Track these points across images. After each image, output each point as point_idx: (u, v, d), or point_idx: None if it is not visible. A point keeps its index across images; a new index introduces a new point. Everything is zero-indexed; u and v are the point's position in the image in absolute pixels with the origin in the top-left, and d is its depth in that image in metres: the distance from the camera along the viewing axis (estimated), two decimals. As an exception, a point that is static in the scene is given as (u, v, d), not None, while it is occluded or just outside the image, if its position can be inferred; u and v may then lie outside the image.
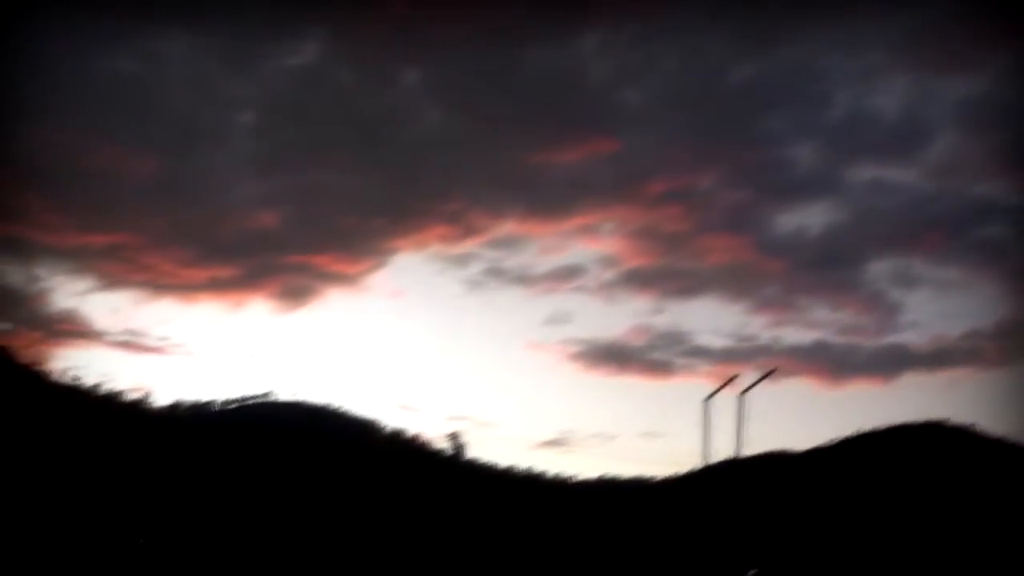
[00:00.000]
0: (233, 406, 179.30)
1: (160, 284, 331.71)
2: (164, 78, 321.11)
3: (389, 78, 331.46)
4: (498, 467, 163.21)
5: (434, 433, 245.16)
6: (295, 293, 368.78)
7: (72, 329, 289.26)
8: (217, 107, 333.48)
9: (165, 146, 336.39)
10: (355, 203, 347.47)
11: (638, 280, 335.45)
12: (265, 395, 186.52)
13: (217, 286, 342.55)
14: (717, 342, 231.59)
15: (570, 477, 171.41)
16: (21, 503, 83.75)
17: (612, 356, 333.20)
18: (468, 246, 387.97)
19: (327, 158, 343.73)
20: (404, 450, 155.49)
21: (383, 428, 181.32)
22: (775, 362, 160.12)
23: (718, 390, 61.65)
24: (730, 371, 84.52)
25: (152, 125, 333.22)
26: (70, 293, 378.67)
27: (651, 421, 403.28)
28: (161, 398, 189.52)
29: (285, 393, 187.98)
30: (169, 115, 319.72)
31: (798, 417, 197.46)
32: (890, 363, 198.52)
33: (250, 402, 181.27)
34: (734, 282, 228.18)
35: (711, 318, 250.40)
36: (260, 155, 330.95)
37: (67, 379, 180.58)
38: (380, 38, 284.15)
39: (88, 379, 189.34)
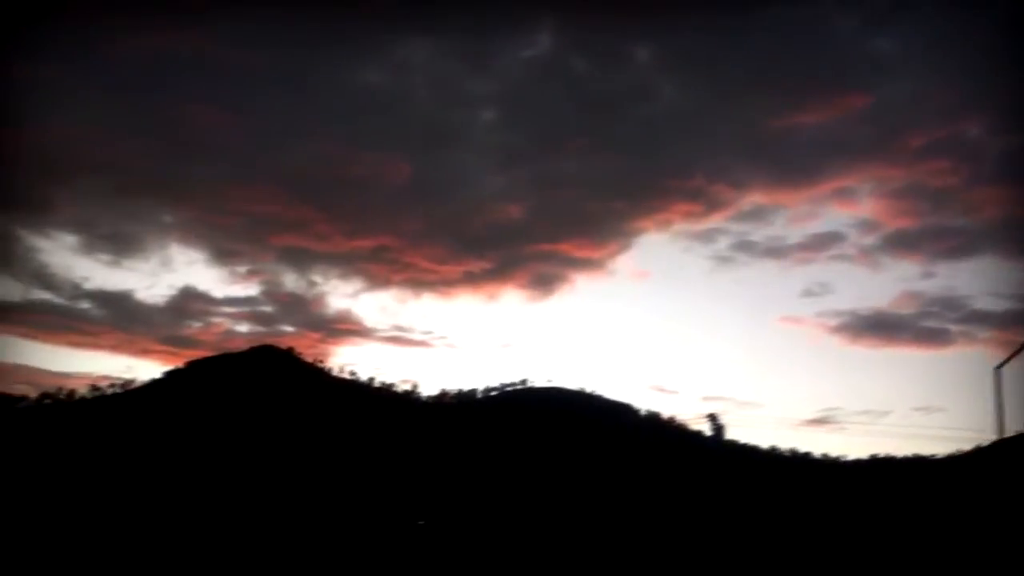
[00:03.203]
0: (494, 393, 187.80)
1: (420, 281, 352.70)
2: (411, 84, 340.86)
3: (621, 58, 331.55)
4: (761, 448, 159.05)
5: (691, 414, 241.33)
6: (544, 281, 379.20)
7: (347, 328, 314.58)
8: (461, 106, 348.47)
9: (416, 149, 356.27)
10: (595, 187, 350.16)
11: (903, 243, 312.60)
12: (523, 382, 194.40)
13: (472, 279, 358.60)
14: (999, 305, 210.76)
15: (839, 457, 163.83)
16: (309, 487, 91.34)
17: (878, 327, 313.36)
18: (713, 221, 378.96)
19: (565, 145, 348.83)
20: (662, 432, 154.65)
21: (639, 411, 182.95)
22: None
23: (1011, 357, 55.23)
24: (1018, 336, 76.17)
25: (403, 130, 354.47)
26: (343, 295, 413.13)
27: (927, 395, 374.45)
28: (428, 388, 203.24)
29: (541, 379, 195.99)
30: (418, 119, 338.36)
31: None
32: None
33: (509, 389, 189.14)
34: (1014, 238, 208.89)
35: (990, 279, 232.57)
36: (502, 149, 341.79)
37: (346, 374, 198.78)
38: (608, 19, 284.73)
39: (364, 373, 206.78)
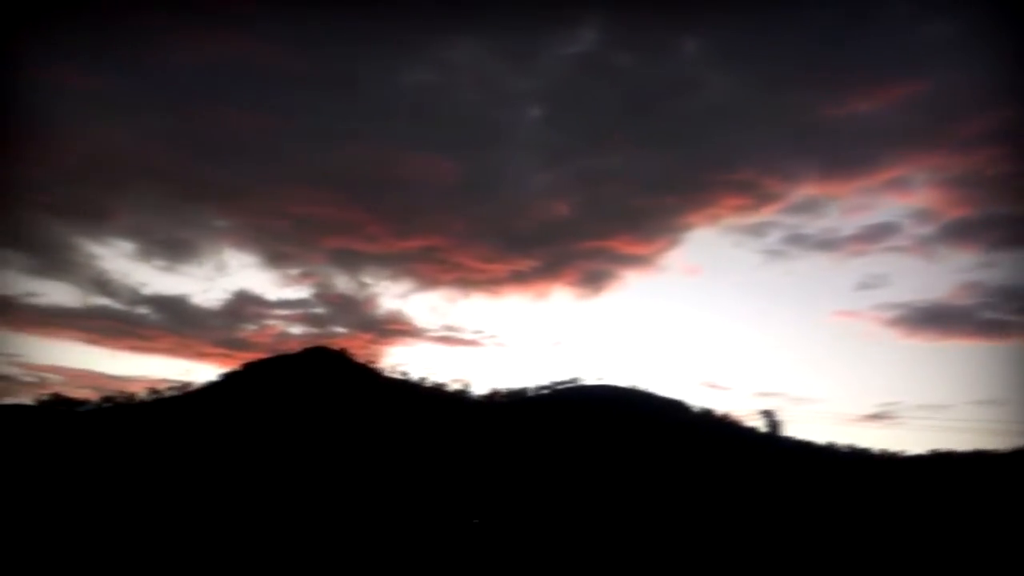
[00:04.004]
0: (545, 392, 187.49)
1: (469, 280, 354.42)
2: (456, 83, 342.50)
3: (667, 52, 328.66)
4: (817, 444, 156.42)
5: (745, 411, 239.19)
6: (594, 278, 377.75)
7: (398, 328, 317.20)
8: (506, 104, 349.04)
9: (463, 148, 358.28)
10: (643, 183, 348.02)
11: (960, 233, 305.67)
12: (573, 380, 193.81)
13: (520, 278, 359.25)
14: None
15: (898, 452, 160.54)
16: (364, 486, 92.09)
17: (936, 319, 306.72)
18: (764, 214, 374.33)
19: (612, 141, 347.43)
20: (716, 429, 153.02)
21: (691, 408, 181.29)
22: None
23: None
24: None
25: (450, 130, 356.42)
26: (393, 296, 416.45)
27: (988, 388, 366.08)
28: (479, 387, 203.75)
29: (591, 377, 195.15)
30: (464, 118, 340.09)
31: None
32: None
33: (560, 388, 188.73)
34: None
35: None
36: (549, 146, 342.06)
37: (397, 374, 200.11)
38: (653, 12, 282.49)
39: (415, 373, 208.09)
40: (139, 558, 48.00)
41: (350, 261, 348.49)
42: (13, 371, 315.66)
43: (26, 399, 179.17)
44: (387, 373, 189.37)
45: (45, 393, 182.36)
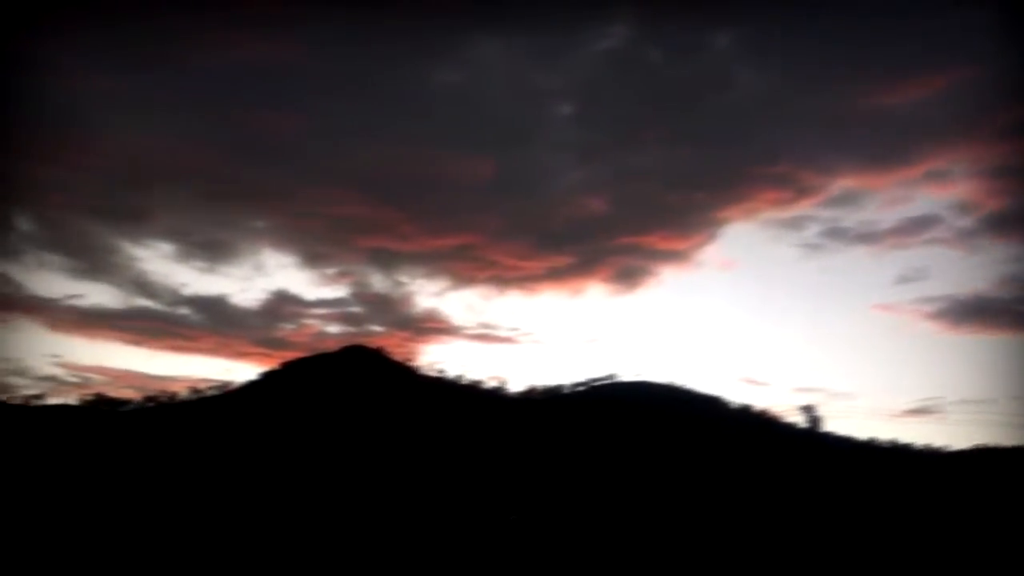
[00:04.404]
0: (581, 389, 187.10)
1: (504, 278, 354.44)
2: (488, 81, 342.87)
3: (699, 45, 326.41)
4: (858, 439, 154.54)
5: (783, 406, 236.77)
6: (629, 274, 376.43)
7: (434, 326, 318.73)
8: (538, 101, 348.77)
9: (495, 146, 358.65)
10: (678, 178, 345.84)
11: (1002, 224, 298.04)
12: (609, 377, 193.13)
13: (555, 275, 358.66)
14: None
15: (941, 447, 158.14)
16: (402, 483, 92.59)
17: (978, 312, 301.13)
18: (801, 208, 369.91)
19: (645, 136, 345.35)
20: (755, 426, 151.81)
21: (729, 403, 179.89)
22: None
23: None
24: None
25: (482, 128, 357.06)
26: (429, 294, 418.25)
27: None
28: (515, 384, 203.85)
29: (628, 374, 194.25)
30: (496, 116, 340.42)
31: None
32: None
33: (596, 384, 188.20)
34: None
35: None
36: (581, 142, 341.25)
37: (434, 372, 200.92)
38: (685, 6, 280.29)
39: (451, 370, 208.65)
40: (182, 555, 48.74)
41: (386, 260, 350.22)
42: (57, 371, 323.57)
43: (70, 399, 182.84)
44: (424, 371, 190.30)
45: (89, 393, 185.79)
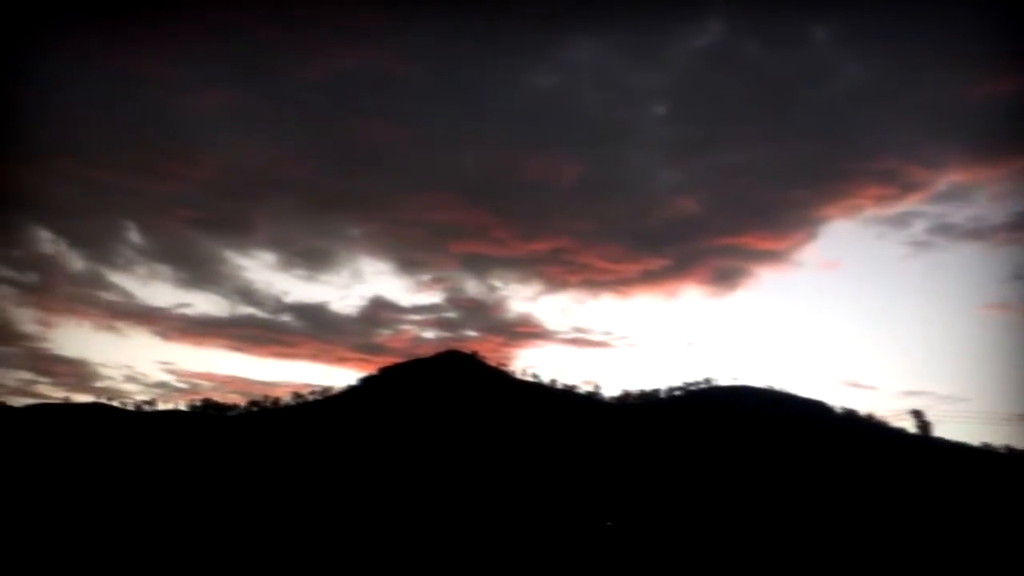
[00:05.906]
0: (678, 393, 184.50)
1: (597, 281, 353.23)
2: (579, 83, 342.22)
3: (796, 39, 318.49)
4: (972, 445, 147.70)
5: (890, 411, 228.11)
6: (726, 276, 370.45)
7: (527, 331, 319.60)
8: (630, 102, 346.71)
9: (587, 148, 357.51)
10: (775, 176, 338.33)
11: None
12: (707, 381, 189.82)
13: (650, 277, 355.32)
14: None
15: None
16: (498, 486, 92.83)
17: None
18: (907, 204, 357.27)
19: (740, 134, 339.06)
20: (862, 431, 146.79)
21: (833, 408, 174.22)
22: None
23: None
24: None
25: (573, 130, 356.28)
26: (522, 298, 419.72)
27: None
28: (610, 389, 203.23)
29: (726, 377, 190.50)
30: (587, 118, 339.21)
31: None
32: None
33: (694, 389, 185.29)
34: None
35: None
36: (674, 142, 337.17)
37: (528, 376, 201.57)
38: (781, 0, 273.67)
39: (545, 375, 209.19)
40: (290, 552, 49.87)
41: (479, 265, 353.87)
42: (167, 378, 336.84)
43: (180, 404, 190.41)
44: (518, 375, 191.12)
45: (197, 398, 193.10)
